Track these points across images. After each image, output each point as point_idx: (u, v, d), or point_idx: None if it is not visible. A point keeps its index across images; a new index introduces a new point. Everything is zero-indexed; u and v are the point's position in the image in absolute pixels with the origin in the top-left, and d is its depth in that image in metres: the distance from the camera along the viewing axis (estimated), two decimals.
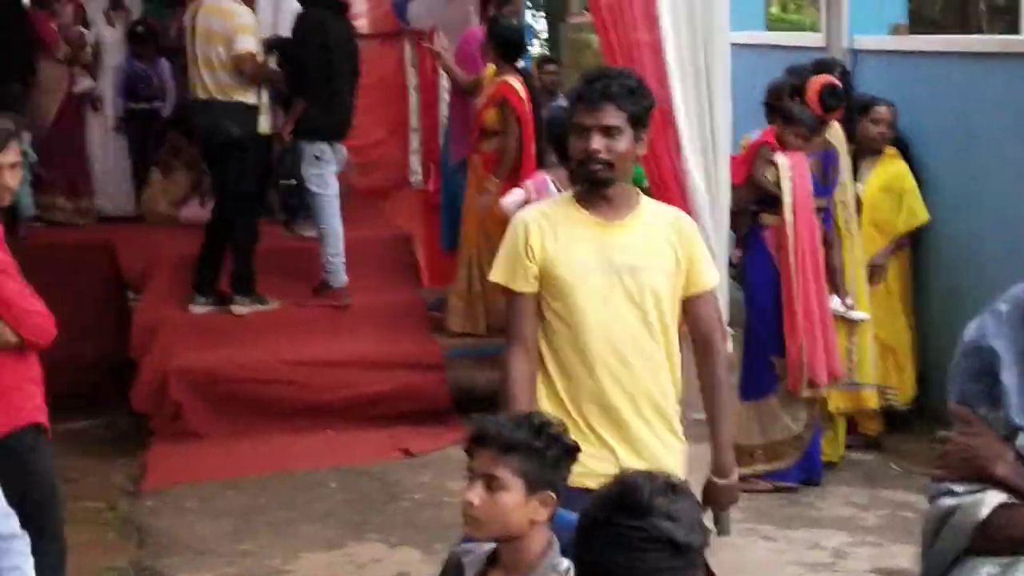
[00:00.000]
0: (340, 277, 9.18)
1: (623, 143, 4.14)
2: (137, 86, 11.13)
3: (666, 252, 4.25)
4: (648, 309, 4.24)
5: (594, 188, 4.22)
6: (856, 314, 7.53)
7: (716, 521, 4.45)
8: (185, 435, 8.26)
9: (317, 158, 9.02)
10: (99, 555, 6.60)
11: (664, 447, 4.26)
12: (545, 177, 7.14)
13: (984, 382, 2.79)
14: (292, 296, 9.22)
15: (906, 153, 8.18)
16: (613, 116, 4.12)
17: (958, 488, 2.77)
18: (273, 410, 8.43)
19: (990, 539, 2.71)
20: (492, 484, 3.26)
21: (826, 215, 7.27)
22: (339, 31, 9.05)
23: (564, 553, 3.28)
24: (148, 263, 9.55)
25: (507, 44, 8.63)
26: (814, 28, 12.01)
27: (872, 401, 7.77)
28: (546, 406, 4.17)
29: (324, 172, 9.07)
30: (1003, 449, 2.73)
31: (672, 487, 2.70)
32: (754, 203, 7.15)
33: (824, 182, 7.21)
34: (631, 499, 2.67)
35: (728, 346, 4.48)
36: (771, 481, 7.21)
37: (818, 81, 7.15)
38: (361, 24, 12.30)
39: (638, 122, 4.17)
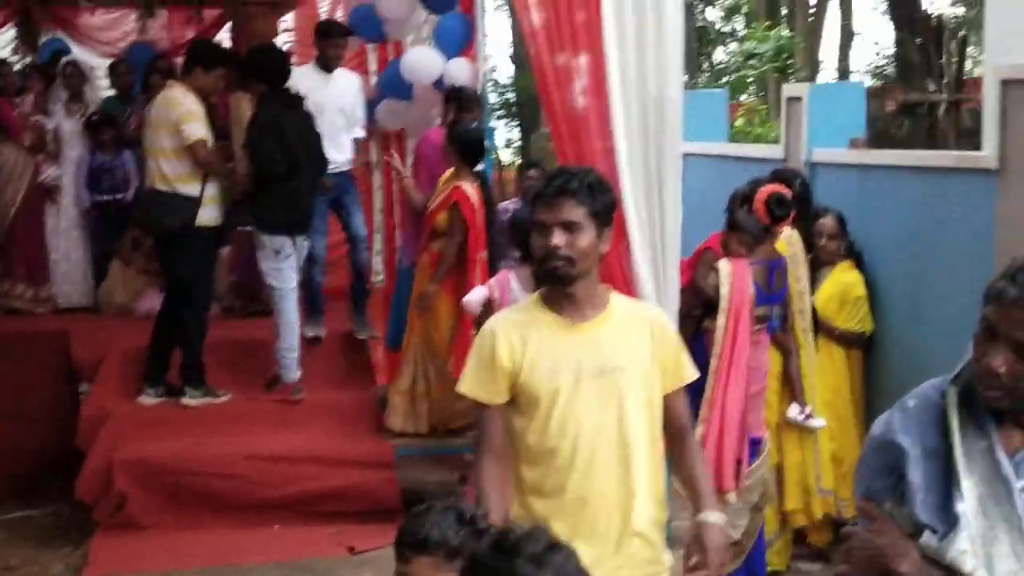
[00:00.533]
0: (293, 372, 9.13)
1: (584, 239, 4.09)
2: (101, 178, 11.14)
3: (639, 350, 4.19)
4: (624, 412, 4.15)
5: (557, 286, 4.18)
6: (815, 422, 7.53)
7: None
8: (129, 526, 8.17)
9: (277, 252, 8.98)
10: None
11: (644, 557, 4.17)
12: (508, 275, 7.15)
13: (890, 478, 2.79)
14: (244, 389, 9.18)
15: (860, 264, 8.25)
16: (573, 212, 4.07)
17: None
18: (220, 504, 8.35)
19: None
20: None
21: (770, 323, 7.28)
22: (295, 124, 9.02)
23: None
24: (100, 354, 9.49)
25: (466, 148, 8.69)
26: (776, 141, 12.16)
27: (829, 508, 7.76)
28: (518, 510, 4.14)
29: (283, 267, 9.01)
30: (908, 547, 2.71)
31: (553, 543, 2.60)
32: (698, 308, 7.17)
33: (768, 291, 7.22)
34: (504, 540, 2.59)
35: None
36: None
37: (766, 191, 7.19)
38: None
39: (600, 218, 4.12)
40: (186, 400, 8.93)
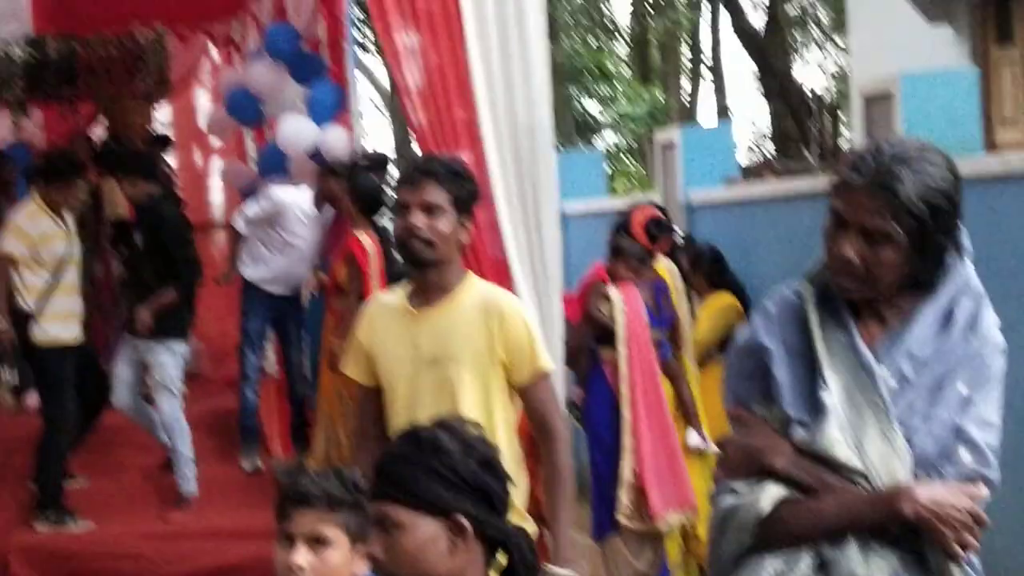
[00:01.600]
0: (191, 486, 8.71)
1: (445, 224, 4.12)
2: None
3: (476, 341, 4.17)
4: (458, 402, 4.15)
5: (417, 270, 4.20)
6: (715, 447, 7.52)
7: None
8: None
9: (177, 356, 8.67)
10: None
11: None
12: None
13: (757, 381, 2.82)
14: (139, 468, 9.01)
15: (742, 298, 8.33)
16: (434, 194, 4.11)
17: (739, 487, 2.76)
18: None
19: (772, 534, 2.72)
20: (318, 543, 3.20)
21: (663, 348, 7.34)
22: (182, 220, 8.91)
23: None
24: None
25: (365, 198, 8.53)
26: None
27: None
28: None
29: (180, 373, 8.72)
30: (780, 443, 2.75)
31: (476, 430, 2.76)
32: (593, 340, 7.21)
33: (658, 313, 7.30)
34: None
35: (566, 438, 4.36)
36: None
37: (642, 213, 7.28)
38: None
39: (461, 205, 4.16)
40: (37, 525, 8.35)
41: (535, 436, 4.33)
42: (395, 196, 4.24)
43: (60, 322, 8.39)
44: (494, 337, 4.18)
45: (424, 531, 2.62)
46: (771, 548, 2.72)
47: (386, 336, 4.26)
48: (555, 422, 4.30)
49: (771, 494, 2.72)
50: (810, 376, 2.77)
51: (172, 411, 8.61)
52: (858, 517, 2.65)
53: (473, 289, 4.28)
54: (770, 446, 2.74)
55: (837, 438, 2.69)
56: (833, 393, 2.72)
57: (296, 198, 9.41)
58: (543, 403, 4.28)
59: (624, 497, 7.03)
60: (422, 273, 4.21)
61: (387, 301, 4.37)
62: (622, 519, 7.03)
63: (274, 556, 3.32)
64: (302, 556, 3.20)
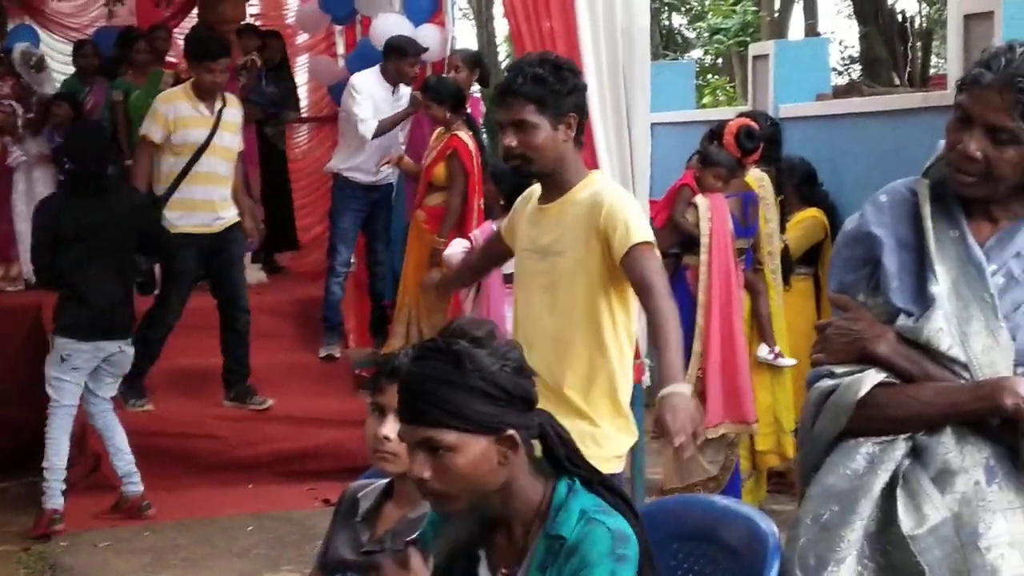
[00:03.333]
0: (57, 499, 7.55)
1: (537, 136, 4.17)
2: (61, 156, 11.03)
3: (579, 235, 4.25)
4: (559, 295, 4.26)
5: (525, 180, 4.36)
6: (784, 361, 7.54)
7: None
8: (104, 487, 8.06)
9: (63, 359, 7.48)
10: None
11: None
12: (491, 226, 7.07)
13: (864, 270, 2.84)
14: (213, 350, 9.11)
15: (830, 214, 8.29)
16: (521, 111, 4.17)
17: (838, 370, 2.78)
18: (193, 463, 8.35)
19: (869, 418, 2.73)
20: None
21: (747, 256, 7.33)
22: (87, 211, 7.50)
23: None
24: None
25: (454, 98, 8.56)
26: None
27: (791, 449, 7.73)
28: None
29: (65, 377, 7.47)
30: (884, 330, 2.75)
31: (494, 332, 2.72)
32: (676, 245, 7.21)
33: (744, 224, 7.27)
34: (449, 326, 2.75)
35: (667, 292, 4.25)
36: None
37: (735, 124, 7.24)
38: (301, 109, 12.43)
39: (554, 110, 4.17)
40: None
41: (640, 301, 4.27)
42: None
43: (187, 211, 8.33)
44: (596, 226, 4.22)
45: (475, 450, 2.61)
46: (865, 434, 2.74)
47: (519, 226, 4.47)
48: (653, 278, 4.21)
49: (871, 377, 2.73)
50: (919, 269, 2.77)
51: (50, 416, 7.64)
52: (956, 406, 2.66)
53: (590, 187, 4.33)
54: (873, 333, 2.75)
55: (942, 328, 2.69)
56: (941, 284, 2.73)
57: (376, 79, 9.30)
58: (641, 266, 4.20)
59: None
60: (540, 178, 4.34)
61: (529, 194, 4.49)
62: None
63: (365, 429, 3.37)
64: (390, 427, 3.25)
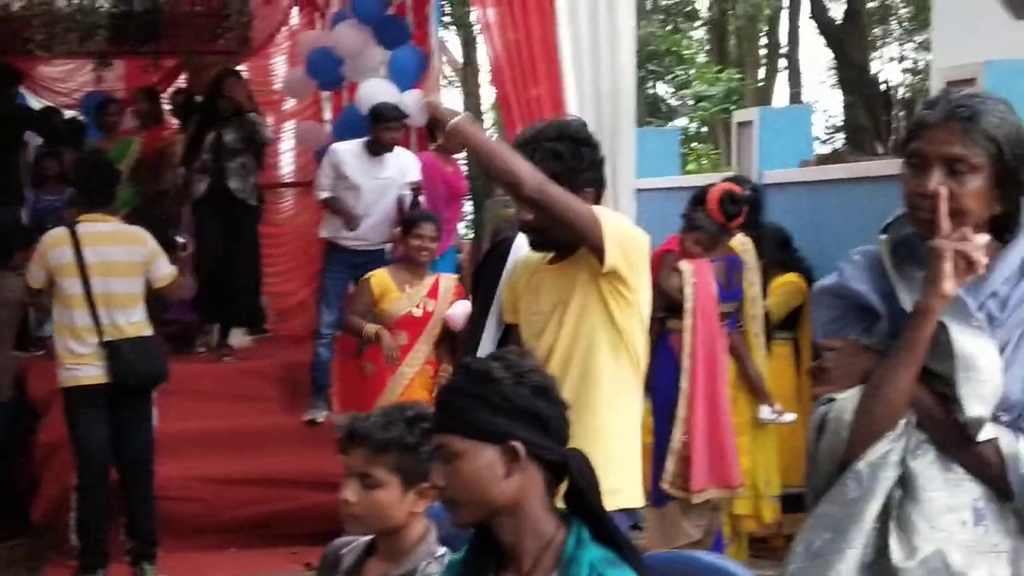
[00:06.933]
0: None
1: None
2: (45, 219, 10.95)
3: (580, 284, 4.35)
4: (557, 341, 4.40)
5: None
6: (788, 417, 7.55)
7: None
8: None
9: None
10: None
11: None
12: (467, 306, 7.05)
13: (851, 315, 2.88)
14: (199, 413, 9.10)
15: (811, 279, 8.33)
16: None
17: (840, 396, 2.81)
18: (175, 526, 8.25)
19: (867, 411, 2.76)
20: (367, 482, 3.28)
21: (731, 320, 7.36)
22: None
23: (444, 541, 3.28)
24: (55, 386, 9.40)
25: None
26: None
27: (769, 514, 7.71)
28: None
29: None
30: (880, 357, 2.79)
31: (535, 366, 2.84)
32: (661, 311, 7.22)
33: (729, 288, 7.31)
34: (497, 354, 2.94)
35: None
36: None
37: (718, 189, 7.28)
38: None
39: (570, 184, 4.12)
40: None
41: None
42: None
43: None
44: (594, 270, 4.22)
45: (480, 458, 2.70)
46: (866, 442, 2.75)
47: (518, 285, 4.47)
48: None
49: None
50: (903, 313, 2.80)
51: None
52: (906, 342, 2.73)
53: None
54: (872, 359, 2.79)
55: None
56: None
57: (354, 149, 9.25)
58: None
59: (671, 465, 7.07)
60: (556, 249, 4.32)
61: (521, 264, 4.53)
62: (665, 486, 7.08)
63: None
64: (350, 491, 3.30)
